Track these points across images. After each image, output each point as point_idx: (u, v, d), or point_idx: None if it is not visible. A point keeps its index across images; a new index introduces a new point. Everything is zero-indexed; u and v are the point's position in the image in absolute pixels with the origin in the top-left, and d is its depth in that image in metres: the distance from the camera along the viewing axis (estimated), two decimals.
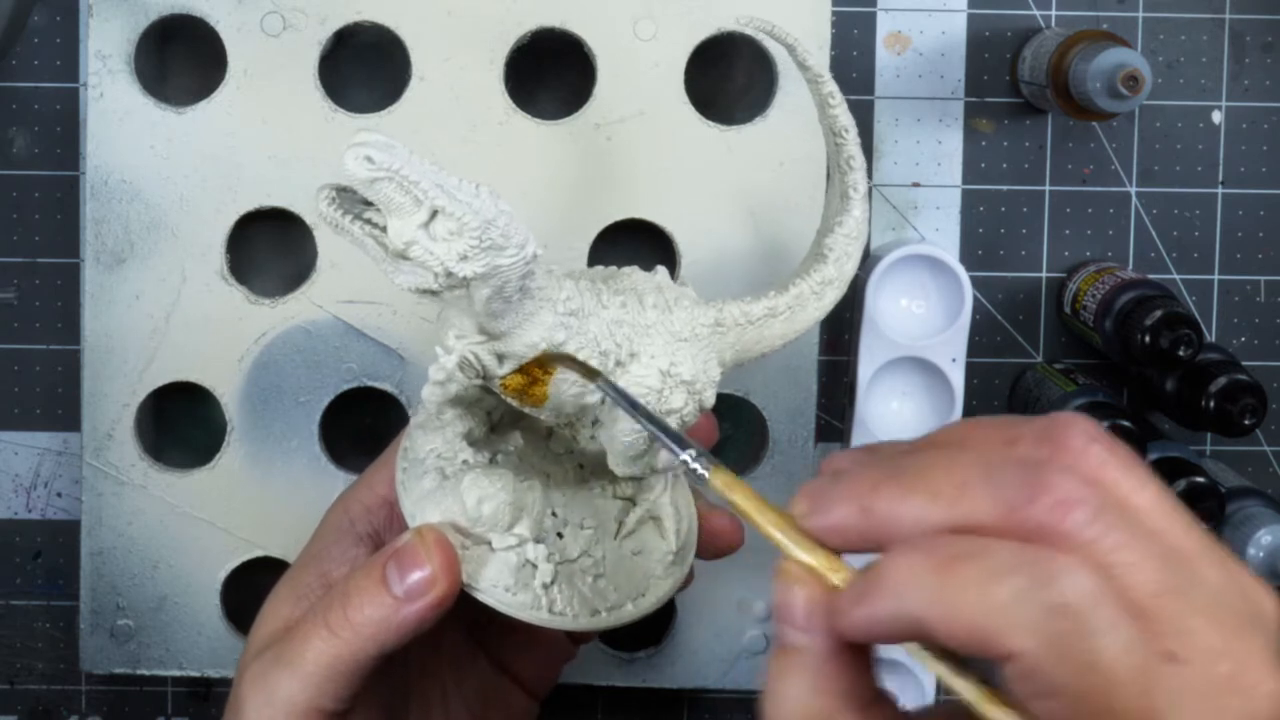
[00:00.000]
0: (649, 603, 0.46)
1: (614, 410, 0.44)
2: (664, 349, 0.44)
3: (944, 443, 0.34)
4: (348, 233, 0.40)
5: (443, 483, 0.45)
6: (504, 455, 0.47)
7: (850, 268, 0.50)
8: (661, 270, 0.47)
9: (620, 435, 0.44)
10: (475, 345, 0.42)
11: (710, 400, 0.46)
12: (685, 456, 0.39)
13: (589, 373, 0.43)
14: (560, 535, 0.46)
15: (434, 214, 0.39)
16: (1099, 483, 0.32)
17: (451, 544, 0.44)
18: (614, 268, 0.46)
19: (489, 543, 0.44)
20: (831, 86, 0.49)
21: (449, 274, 0.39)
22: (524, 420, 0.47)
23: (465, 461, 0.45)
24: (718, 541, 0.49)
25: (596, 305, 0.43)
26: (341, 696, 0.44)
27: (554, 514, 0.46)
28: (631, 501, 0.47)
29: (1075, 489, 0.31)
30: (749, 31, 0.49)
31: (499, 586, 0.44)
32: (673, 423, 0.45)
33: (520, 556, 0.44)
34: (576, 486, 0.48)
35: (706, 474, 0.38)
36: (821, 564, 0.34)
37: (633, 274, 0.46)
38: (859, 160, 0.49)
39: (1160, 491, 0.33)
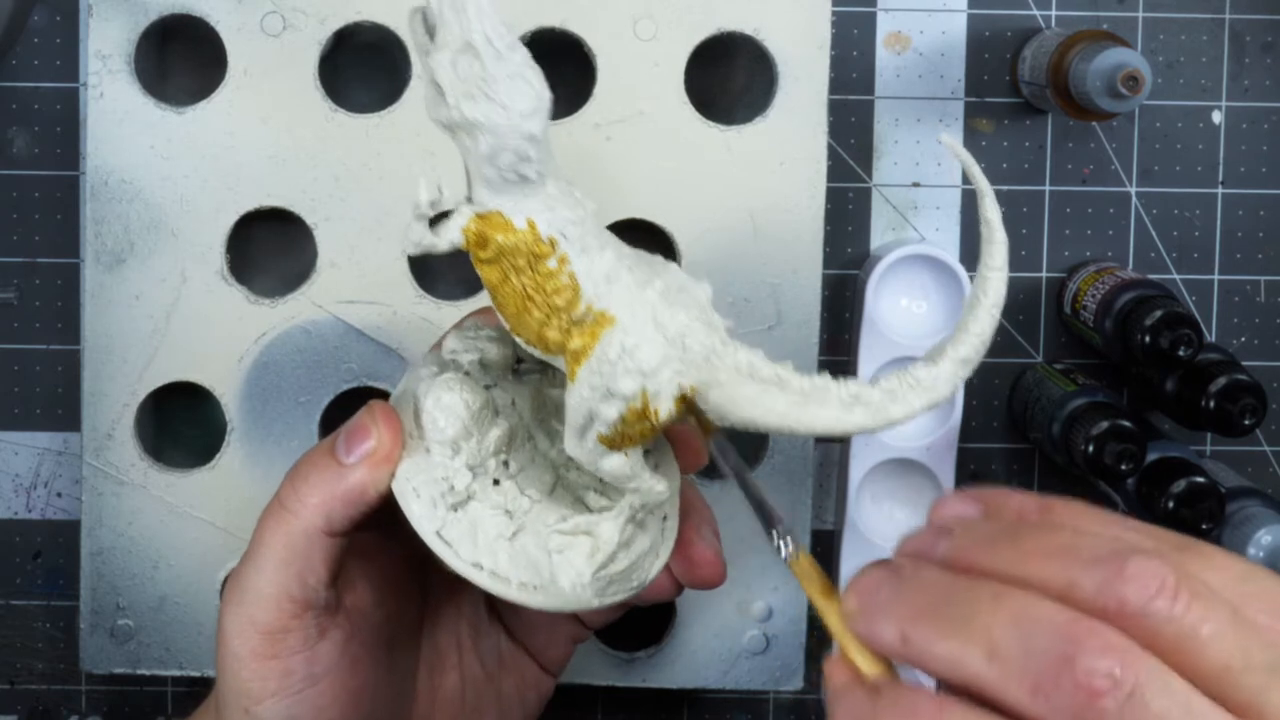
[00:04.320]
0: (536, 599, 0.44)
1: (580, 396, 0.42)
2: (640, 318, 0.41)
3: (1032, 543, 0.33)
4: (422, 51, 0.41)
5: (438, 374, 0.45)
6: (503, 399, 0.46)
7: (884, 413, 0.41)
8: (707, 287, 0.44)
9: (608, 465, 0.42)
10: (463, 206, 0.42)
11: (664, 410, 0.41)
12: (773, 534, 0.41)
13: (703, 425, 0.42)
14: (497, 482, 0.45)
15: (468, 48, 0.40)
16: (1138, 664, 0.30)
17: (399, 418, 0.44)
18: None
19: (429, 449, 0.44)
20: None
21: (458, 112, 0.40)
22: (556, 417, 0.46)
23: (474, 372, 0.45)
24: (699, 572, 0.47)
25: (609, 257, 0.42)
26: (307, 583, 0.44)
27: (506, 464, 0.45)
28: (587, 507, 0.45)
29: (1103, 676, 0.30)
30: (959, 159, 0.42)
31: (410, 483, 0.44)
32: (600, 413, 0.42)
33: (446, 472, 0.44)
34: (553, 469, 0.46)
35: (789, 555, 0.40)
36: (870, 668, 0.35)
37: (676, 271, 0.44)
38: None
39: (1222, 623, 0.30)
